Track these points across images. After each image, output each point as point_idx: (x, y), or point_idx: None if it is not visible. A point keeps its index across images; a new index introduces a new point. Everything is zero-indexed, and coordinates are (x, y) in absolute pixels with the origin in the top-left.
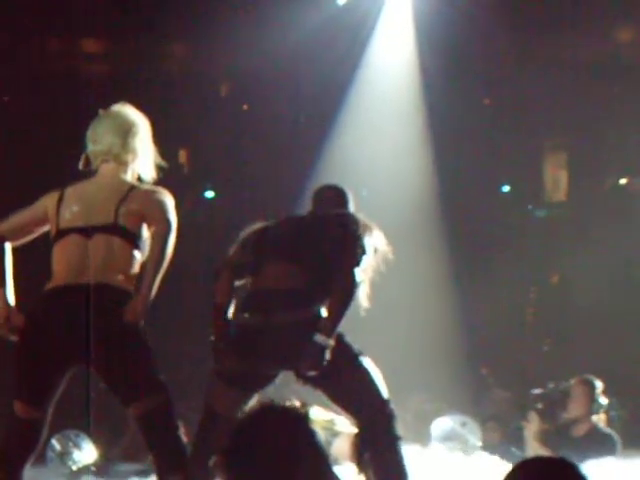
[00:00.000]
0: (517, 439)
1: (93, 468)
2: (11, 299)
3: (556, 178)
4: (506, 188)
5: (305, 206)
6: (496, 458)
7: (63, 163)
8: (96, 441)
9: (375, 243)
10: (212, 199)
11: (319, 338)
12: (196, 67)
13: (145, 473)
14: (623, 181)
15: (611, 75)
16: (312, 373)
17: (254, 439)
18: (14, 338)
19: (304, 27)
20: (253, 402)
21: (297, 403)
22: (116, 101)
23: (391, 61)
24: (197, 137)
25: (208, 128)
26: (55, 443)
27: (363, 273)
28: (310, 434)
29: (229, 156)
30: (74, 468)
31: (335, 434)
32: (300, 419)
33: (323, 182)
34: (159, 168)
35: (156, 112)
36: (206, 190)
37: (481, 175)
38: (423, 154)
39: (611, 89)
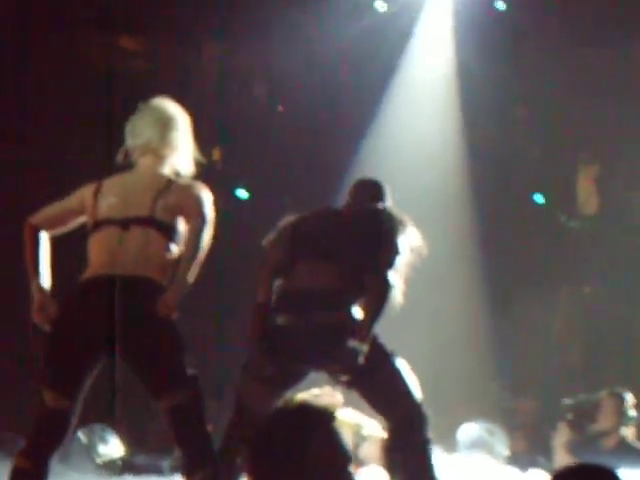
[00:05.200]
0: (545, 449)
1: (119, 462)
2: (47, 288)
3: (588, 191)
4: (540, 198)
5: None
6: (522, 468)
7: (101, 156)
8: (122, 435)
9: (410, 240)
10: (245, 199)
11: (353, 343)
12: (232, 66)
13: (171, 468)
14: None
15: None
16: (344, 378)
17: (276, 438)
18: (48, 327)
19: (342, 33)
20: (284, 399)
21: (328, 391)
22: (151, 97)
23: (429, 65)
24: (231, 136)
25: (242, 128)
26: (81, 436)
27: (397, 274)
28: (332, 435)
29: (263, 156)
30: (99, 462)
31: (363, 438)
32: (324, 419)
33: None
34: (197, 163)
35: (190, 110)
36: (239, 189)
37: (514, 184)
38: (458, 160)
39: None
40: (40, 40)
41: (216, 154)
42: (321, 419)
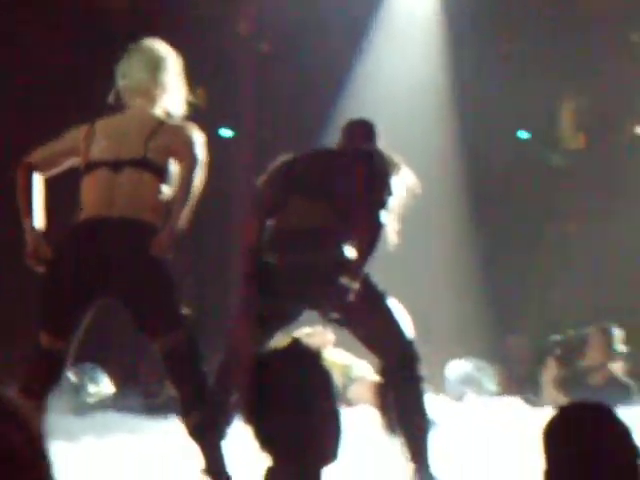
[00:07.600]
0: (533, 385)
1: (108, 402)
2: (40, 230)
3: (575, 126)
4: (524, 134)
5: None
6: (511, 401)
7: (87, 98)
8: (111, 375)
9: (403, 180)
10: (230, 138)
11: (344, 280)
12: (216, 7)
13: (160, 408)
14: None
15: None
16: (335, 315)
17: (270, 378)
18: (41, 269)
19: None
20: (275, 340)
21: (319, 330)
22: (135, 37)
23: (414, 4)
24: (215, 76)
25: (227, 67)
26: (70, 375)
27: (390, 213)
28: (323, 374)
29: (248, 95)
30: (89, 401)
31: (352, 379)
32: (315, 359)
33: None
34: (189, 104)
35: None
36: (222, 128)
37: (500, 121)
38: (442, 97)
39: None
40: None
41: (199, 94)
42: (314, 359)
